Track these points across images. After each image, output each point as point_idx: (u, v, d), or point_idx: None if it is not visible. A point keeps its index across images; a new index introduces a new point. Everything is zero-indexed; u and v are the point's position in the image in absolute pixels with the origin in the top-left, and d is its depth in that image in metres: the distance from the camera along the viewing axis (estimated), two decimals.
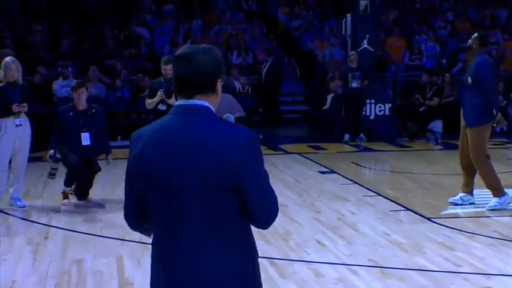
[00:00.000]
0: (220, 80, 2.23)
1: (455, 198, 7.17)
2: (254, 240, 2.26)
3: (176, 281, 2.20)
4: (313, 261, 5.28)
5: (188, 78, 2.18)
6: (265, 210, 2.18)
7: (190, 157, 2.13)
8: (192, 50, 2.21)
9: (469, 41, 7.02)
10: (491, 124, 6.85)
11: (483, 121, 6.81)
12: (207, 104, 2.20)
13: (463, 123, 6.96)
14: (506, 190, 6.99)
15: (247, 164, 2.13)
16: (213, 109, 2.22)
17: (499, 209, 6.83)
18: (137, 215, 2.31)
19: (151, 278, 2.29)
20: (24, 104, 7.18)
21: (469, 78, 6.83)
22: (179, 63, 2.20)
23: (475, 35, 7.03)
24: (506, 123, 6.85)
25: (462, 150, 7.07)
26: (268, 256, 5.34)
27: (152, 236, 2.29)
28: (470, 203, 7.08)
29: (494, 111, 6.74)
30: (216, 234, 2.16)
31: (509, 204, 6.92)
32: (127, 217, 2.35)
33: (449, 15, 17.28)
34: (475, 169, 6.96)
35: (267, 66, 14.53)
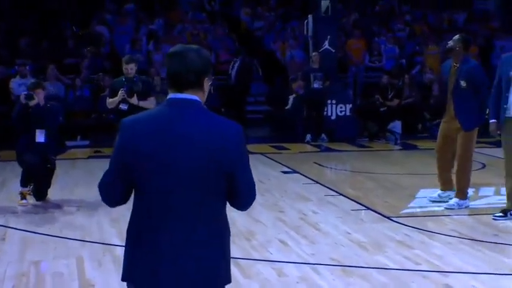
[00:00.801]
0: (207, 78, 2.41)
1: (433, 196, 7.30)
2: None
3: (169, 269, 2.33)
4: (276, 260, 5.28)
5: (179, 74, 2.37)
6: (251, 194, 2.49)
7: (185, 146, 2.30)
8: (185, 49, 2.41)
9: (450, 42, 6.95)
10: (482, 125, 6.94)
11: (478, 123, 6.90)
12: (196, 98, 2.39)
13: (451, 126, 6.90)
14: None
15: (239, 153, 2.37)
16: (201, 102, 2.41)
17: (456, 209, 6.95)
18: (121, 197, 2.44)
19: (129, 265, 2.39)
20: None
21: (461, 82, 6.77)
22: (172, 60, 2.39)
23: (458, 37, 6.91)
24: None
25: (441, 151, 7.10)
26: (231, 256, 5.31)
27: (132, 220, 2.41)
28: (450, 198, 7.13)
29: (487, 111, 6.81)
30: (205, 220, 2.37)
31: (466, 207, 7.03)
32: (111, 198, 2.44)
33: (407, 18, 17.55)
34: (450, 166, 7.06)
35: (235, 67, 14.46)
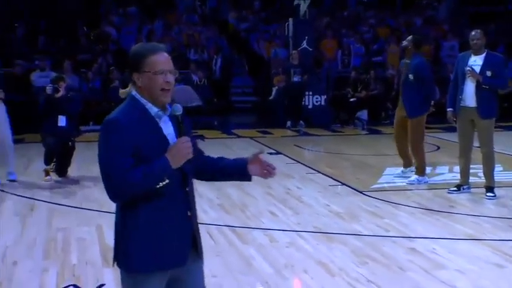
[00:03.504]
0: (135, 72, 2.19)
1: (396, 172, 7.40)
2: None
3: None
4: (268, 228, 5.32)
5: None
6: (104, 183, 2.23)
7: None
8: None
9: (405, 42, 7.02)
10: (427, 113, 7.03)
11: (422, 112, 6.97)
12: (133, 93, 2.23)
13: (402, 114, 7.05)
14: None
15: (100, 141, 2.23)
16: (138, 98, 2.21)
17: (416, 184, 7.04)
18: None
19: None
20: (0, 90, 6.90)
21: (410, 75, 6.84)
22: None
23: (410, 37, 6.98)
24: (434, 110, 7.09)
25: (398, 136, 7.24)
26: (229, 225, 5.36)
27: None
28: (411, 171, 7.26)
29: (432, 102, 6.94)
30: None
31: (425, 183, 7.12)
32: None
33: (372, 21, 17.57)
34: (407, 148, 7.17)
35: (219, 62, 14.48)
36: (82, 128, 11.66)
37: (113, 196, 2.15)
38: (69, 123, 7.34)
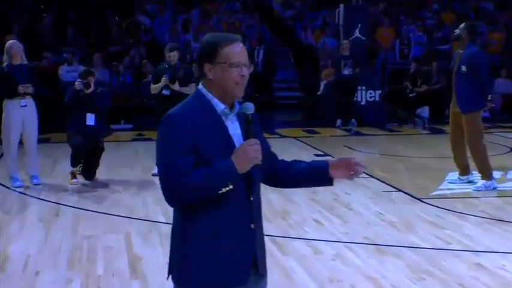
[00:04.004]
0: (207, 63, 2.18)
1: (452, 178, 7.25)
2: None
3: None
4: (311, 238, 5.30)
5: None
6: (162, 187, 2.22)
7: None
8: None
9: (457, 30, 6.98)
10: (485, 109, 6.90)
11: (477, 107, 6.84)
12: (199, 87, 2.23)
13: (456, 109, 6.97)
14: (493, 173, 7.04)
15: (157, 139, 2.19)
16: (204, 93, 2.20)
17: (483, 191, 6.87)
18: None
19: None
20: (29, 84, 7.09)
21: (463, 67, 6.80)
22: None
23: (463, 25, 6.97)
24: (494, 105, 6.98)
25: (454, 135, 7.11)
26: (269, 234, 5.36)
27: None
28: (468, 181, 7.11)
29: (489, 96, 6.82)
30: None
31: (494, 189, 6.94)
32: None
33: (435, 6, 17.24)
34: (464, 151, 7.01)
35: (261, 54, 14.51)
36: (112, 126, 11.97)
37: (169, 199, 2.13)
38: (98, 122, 7.52)
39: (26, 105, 7.18)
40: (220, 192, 2.10)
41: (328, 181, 2.34)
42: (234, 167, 2.08)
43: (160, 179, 2.14)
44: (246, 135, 2.16)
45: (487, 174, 6.92)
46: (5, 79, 7.05)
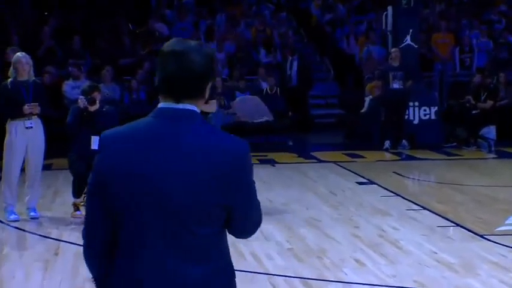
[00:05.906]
0: (210, 83, 2.19)
1: None
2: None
3: None
4: (352, 282, 5.27)
5: (178, 79, 2.12)
6: (250, 228, 2.27)
7: (183, 169, 2.07)
8: (184, 47, 2.14)
9: None
10: None
11: None
12: (195, 108, 2.16)
13: None
14: None
15: (244, 179, 2.15)
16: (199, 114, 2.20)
17: None
18: (103, 248, 2.16)
19: None
20: (36, 103, 7.15)
21: None
22: (168, 60, 2.13)
23: None
24: None
25: None
26: (300, 276, 5.35)
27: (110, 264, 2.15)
28: None
29: None
30: (198, 255, 2.11)
31: None
32: (91, 252, 2.18)
33: (503, 8, 17.14)
34: None
35: (295, 65, 14.58)
36: None
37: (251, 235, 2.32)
38: None
39: (31, 127, 7.25)
40: None
41: None
42: None
43: (257, 217, 2.25)
44: None
45: None
46: (8, 97, 7.14)
